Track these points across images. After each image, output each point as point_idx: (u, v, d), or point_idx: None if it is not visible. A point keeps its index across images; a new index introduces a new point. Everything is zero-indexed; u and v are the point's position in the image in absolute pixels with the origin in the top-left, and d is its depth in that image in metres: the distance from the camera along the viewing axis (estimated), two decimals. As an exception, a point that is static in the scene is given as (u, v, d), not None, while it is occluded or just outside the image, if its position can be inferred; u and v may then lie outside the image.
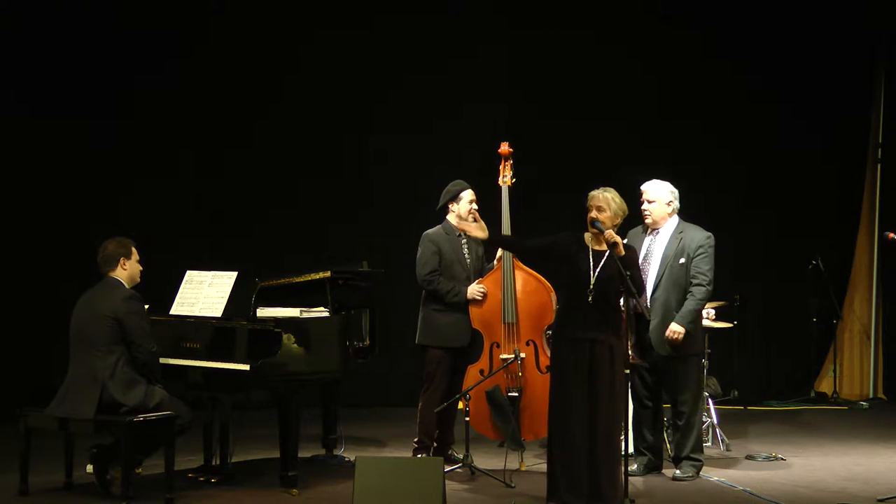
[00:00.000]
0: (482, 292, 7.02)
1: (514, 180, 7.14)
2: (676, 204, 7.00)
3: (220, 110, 9.62)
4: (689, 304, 6.82)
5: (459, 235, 7.20)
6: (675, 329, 6.75)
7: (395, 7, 9.94)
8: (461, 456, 6.98)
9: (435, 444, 7.21)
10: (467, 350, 7.12)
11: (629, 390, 6.57)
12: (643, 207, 7.01)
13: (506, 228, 7.02)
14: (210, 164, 9.66)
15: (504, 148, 7.17)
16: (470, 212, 7.14)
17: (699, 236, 6.90)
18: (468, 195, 7.19)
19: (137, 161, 9.40)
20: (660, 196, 6.97)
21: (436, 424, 7.15)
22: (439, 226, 7.26)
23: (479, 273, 7.21)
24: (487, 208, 7.27)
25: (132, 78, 9.39)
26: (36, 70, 9.16)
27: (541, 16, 10.20)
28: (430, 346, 7.14)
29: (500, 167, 7.16)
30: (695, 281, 6.83)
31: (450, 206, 7.22)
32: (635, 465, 7.00)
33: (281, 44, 9.80)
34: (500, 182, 7.15)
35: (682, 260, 6.85)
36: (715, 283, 7.02)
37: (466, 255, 7.20)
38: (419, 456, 7.05)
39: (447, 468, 6.59)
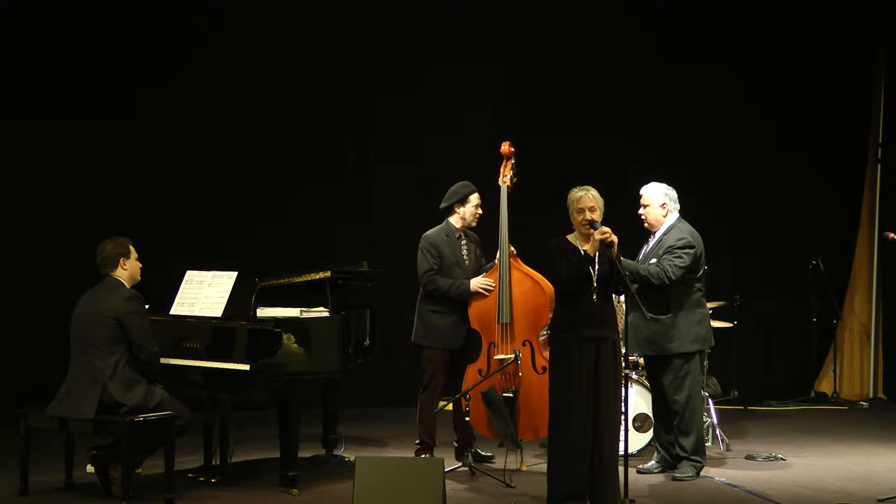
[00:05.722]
0: (489, 286, 6.98)
1: (514, 180, 7.09)
2: (671, 205, 6.99)
3: (220, 110, 9.61)
4: (640, 266, 6.72)
5: (459, 237, 7.20)
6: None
7: (395, 7, 9.93)
8: (489, 454, 7.06)
9: (456, 444, 7.22)
10: (464, 350, 7.12)
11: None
12: (640, 212, 7.05)
13: (504, 229, 6.99)
14: (210, 164, 9.66)
15: (505, 147, 7.13)
16: (475, 215, 7.16)
17: (674, 237, 6.88)
18: (475, 198, 7.19)
19: (137, 161, 9.40)
20: (653, 199, 7.01)
21: (436, 424, 7.15)
22: (439, 227, 7.25)
23: (478, 273, 7.20)
24: (485, 209, 7.28)
25: (132, 77, 9.39)
26: (35, 71, 9.16)
27: (541, 17, 10.20)
28: (427, 346, 7.15)
29: (501, 167, 7.12)
30: (658, 265, 6.78)
31: (456, 207, 7.20)
32: (653, 461, 7.06)
33: (281, 44, 9.80)
34: (500, 182, 7.10)
35: (654, 260, 6.86)
36: (708, 285, 7.04)
37: (465, 257, 7.20)
38: (423, 457, 7.03)
39: (476, 467, 6.79)
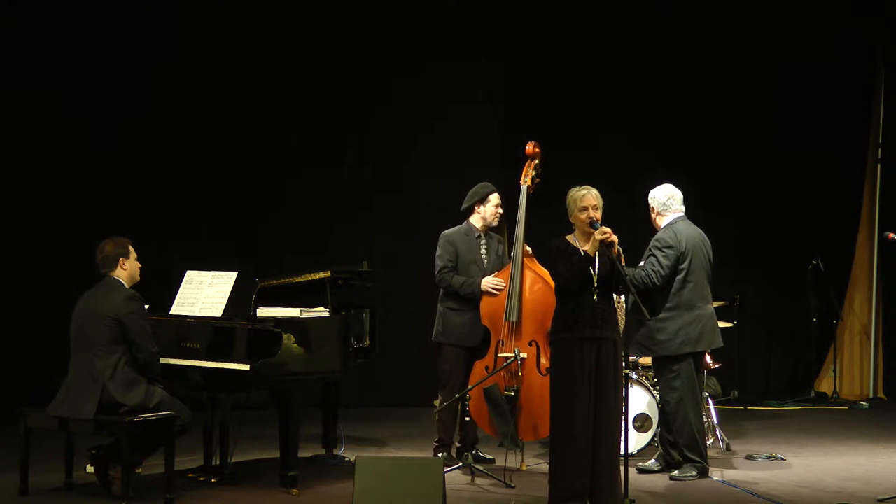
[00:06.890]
0: (498, 287, 6.95)
1: (538, 181, 7.02)
2: (660, 207, 6.99)
3: (219, 109, 9.61)
4: (628, 271, 6.61)
5: (479, 236, 7.19)
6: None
7: (394, 7, 9.93)
8: (489, 457, 7.08)
9: (458, 445, 7.21)
10: (481, 349, 7.10)
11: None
12: None
13: (520, 230, 6.93)
14: (210, 164, 9.65)
15: (530, 147, 7.06)
16: (495, 214, 7.15)
17: (656, 237, 6.90)
18: (495, 198, 7.17)
19: (137, 161, 9.39)
20: (649, 203, 7.04)
21: (455, 422, 7.16)
22: (459, 226, 7.24)
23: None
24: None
25: (132, 78, 9.38)
26: (37, 76, 9.15)
27: (541, 16, 10.20)
28: (445, 344, 7.16)
29: (525, 167, 7.04)
30: (643, 269, 6.78)
31: (476, 207, 7.19)
32: (653, 460, 7.06)
33: (281, 42, 9.79)
34: (522, 181, 7.02)
35: (642, 263, 6.87)
36: (713, 284, 7.04)
37: (484, 256, 7.18)
38: (441, 455, 7.07)
39: (476, 467, 6.76)
